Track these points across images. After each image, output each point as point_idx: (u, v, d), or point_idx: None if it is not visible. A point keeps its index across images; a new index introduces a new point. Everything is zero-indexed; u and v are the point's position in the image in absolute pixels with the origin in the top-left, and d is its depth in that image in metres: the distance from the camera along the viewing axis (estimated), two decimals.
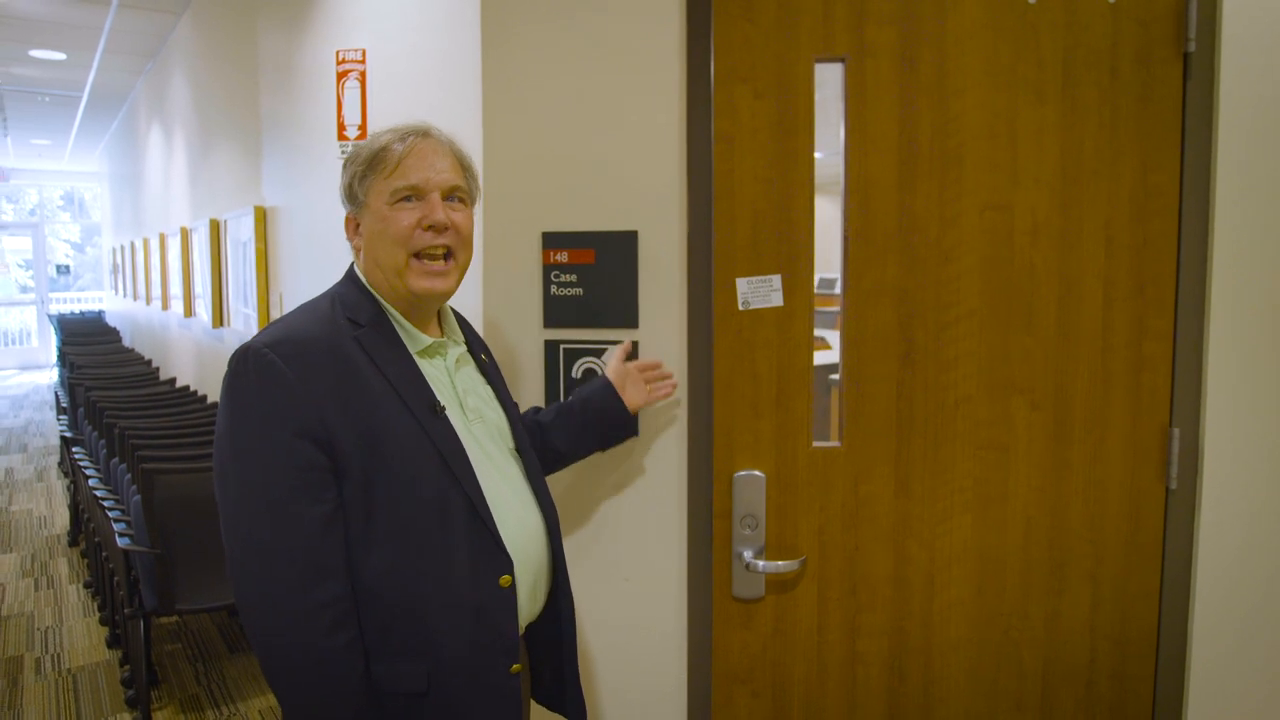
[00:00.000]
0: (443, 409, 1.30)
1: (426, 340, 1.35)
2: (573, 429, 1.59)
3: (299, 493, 1.18)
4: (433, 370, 1.34)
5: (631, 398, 1.60)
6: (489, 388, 1.46)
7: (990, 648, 1.68)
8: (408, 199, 1.30)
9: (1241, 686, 1.59)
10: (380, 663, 1.23)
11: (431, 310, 1.39)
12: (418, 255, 1.30)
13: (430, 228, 1.29)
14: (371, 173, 1.31)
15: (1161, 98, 1.56)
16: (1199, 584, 1.59)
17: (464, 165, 1.37)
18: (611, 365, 1.63)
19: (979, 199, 1.60)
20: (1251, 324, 1.54)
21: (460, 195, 1.35)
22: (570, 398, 1.63)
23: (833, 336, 1.69)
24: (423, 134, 1.34)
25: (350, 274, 1.37)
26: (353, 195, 1.34)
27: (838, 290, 1.67)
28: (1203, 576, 1.59)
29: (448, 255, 1.33)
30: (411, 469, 1.24)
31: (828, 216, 1.67)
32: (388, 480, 1.22)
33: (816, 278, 1.67)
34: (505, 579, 1.29)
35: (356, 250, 1.37)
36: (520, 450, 1.44)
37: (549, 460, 1.58)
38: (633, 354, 1.68)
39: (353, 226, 1.37)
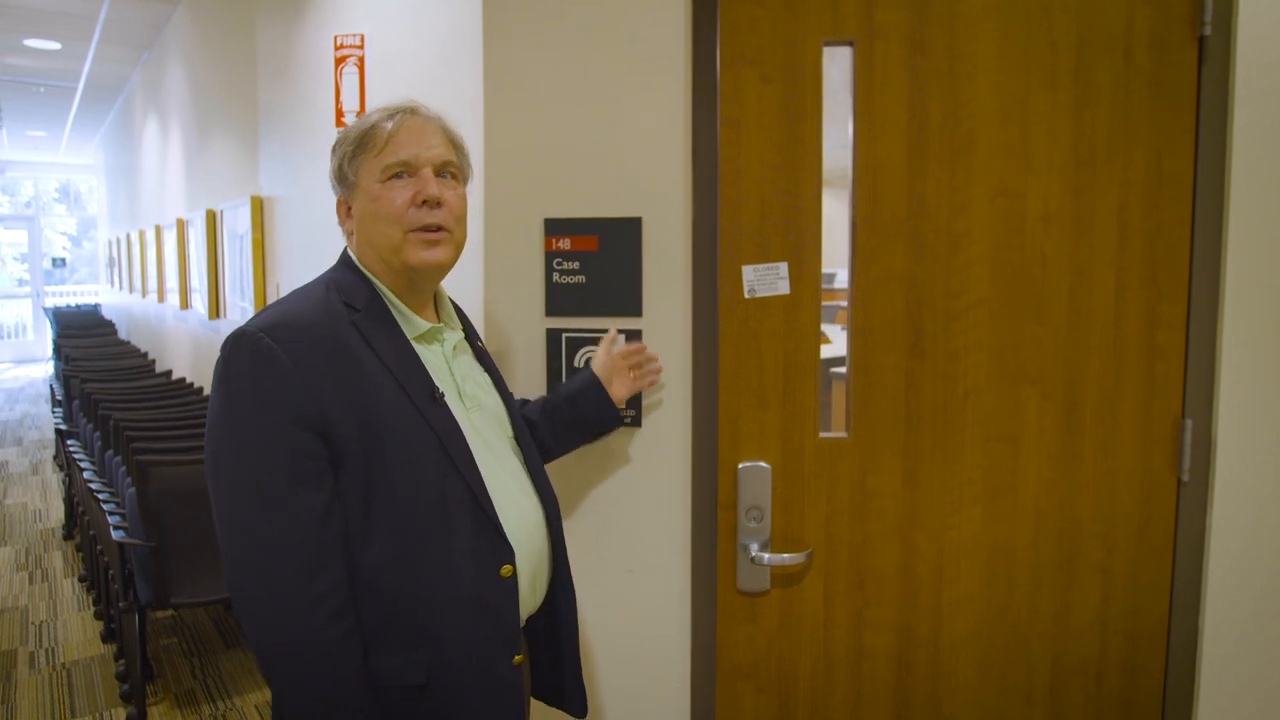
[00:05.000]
0: (442, 396, 1.27)
1: (424, 325, 1.32)
2: (560, 427, 1.57)
3: (296, 482, 1.15)
4: (430, 356, 1.32)
5: (618, 390, 1.59)
6: (487, 375, 1.44)
7: (999, 641, 1.65)
8: (399, 176, 1.27)
9: (1253, 680, 1.57)
10: (379, 655, 1.21)
11: (428, 292, 1.36)
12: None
13: (424, 203, 1.26)
14: (361, 152, 1.28)
15: (1176, 82, 1.54)
16: (1210, 577, 1.57)
17: (454, 142, 1.35)
18: (598, 358, 1.61)
19: (990, 185, 1.58)
20: (1266, 313, 1.52)
21: (452, 171, 1.32)
22: (556, 394, 1.60)
23: (832, 330, 1.67)
24: (411, 111, 1.31)
25: (344, 258, 1.34)
26: (343, 177, 1.32)
27: (838, 284, 1.64)
28: (1214, 569, 1.57)
29: (440, 231, 1.30)
30: (411, 457, 1.21)
31: (832, 210, 1.64)
32: (387, 468, 1.20)
33: None
34: (506, 569, 1.27)
35: (349, 234, 1.34)
36: (519, 439, 1.42)
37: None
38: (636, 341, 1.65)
39: (344, 210, 1.34)
